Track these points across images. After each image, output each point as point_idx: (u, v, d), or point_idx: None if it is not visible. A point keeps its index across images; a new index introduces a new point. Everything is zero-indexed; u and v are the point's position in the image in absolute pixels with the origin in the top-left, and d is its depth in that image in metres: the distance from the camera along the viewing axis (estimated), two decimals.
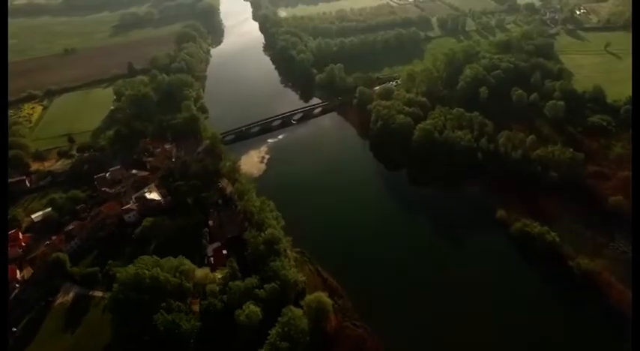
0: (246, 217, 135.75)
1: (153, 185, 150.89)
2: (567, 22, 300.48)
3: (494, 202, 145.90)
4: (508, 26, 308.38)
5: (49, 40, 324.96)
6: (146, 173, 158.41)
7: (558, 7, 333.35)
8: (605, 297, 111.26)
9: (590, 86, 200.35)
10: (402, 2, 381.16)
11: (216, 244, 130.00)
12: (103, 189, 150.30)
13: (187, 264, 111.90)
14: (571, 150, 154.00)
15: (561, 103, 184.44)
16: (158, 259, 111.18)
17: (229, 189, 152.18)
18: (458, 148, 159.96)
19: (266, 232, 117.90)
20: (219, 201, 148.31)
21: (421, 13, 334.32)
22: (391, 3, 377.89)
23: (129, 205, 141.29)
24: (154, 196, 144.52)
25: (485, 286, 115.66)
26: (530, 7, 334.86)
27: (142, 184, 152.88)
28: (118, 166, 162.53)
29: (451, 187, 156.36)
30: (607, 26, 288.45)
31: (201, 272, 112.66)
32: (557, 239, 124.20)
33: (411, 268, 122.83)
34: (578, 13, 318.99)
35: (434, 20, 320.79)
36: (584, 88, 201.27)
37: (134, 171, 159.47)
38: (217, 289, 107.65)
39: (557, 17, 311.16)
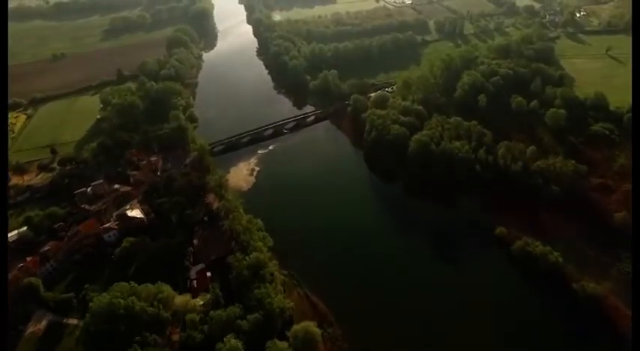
0: (232, 236, 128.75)
1: (135, 201, 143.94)
2: (567, 25, 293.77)
3: (493, 216, 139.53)
4: (507, 29, 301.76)
5: (39, 44, 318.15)
6: (129, 188, 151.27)
7: (558, 9, 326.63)
8: (612, 323, 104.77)
9: (592, 92, 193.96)
10: (398, 5, 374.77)
11: (200, 266, 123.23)
12: (83, 206, 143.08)
13: (166, 291, 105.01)
14: (573, 162, 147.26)
15: (562, 111, 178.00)
16: (135, 285, 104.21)
17: (216, 205, 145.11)
18: (455, 159, 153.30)
19: (251, 256, 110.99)
20: (205, 218, 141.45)
21: (418, 16, 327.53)
22: (388, 6, 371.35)
23: (109, 224, 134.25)
24: (135, 213, 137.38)
25: (486, 311, 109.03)
26: (529, 10, 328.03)
27: (124, 200, 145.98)
28: (101, 181, 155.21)
29: (449, 201, 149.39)
30: (608, 29, 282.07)
31: (181, 299, 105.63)
32: (560, 260, 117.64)
33: (406, 291, 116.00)
34: (578, 15, 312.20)
35: (431, 23, 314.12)
36: (585, 95, 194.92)
37: (116, 186, 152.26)
38: (197, 318, 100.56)
39: (557, 20, 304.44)
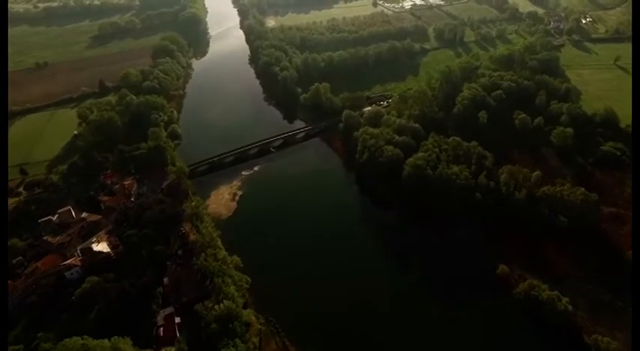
0: (206, 275, 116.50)
1: (103, 233, 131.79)
2: (573, 32, 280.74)
3: (494, 250, 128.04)
4: (510, 37, 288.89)
5: (23, 52, 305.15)
6: (98, 217, 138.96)
7: (563, 15, 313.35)
8: None
9: (600, 107, 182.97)
10: (397, 10, 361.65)
11: (168, 310, 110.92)
12: (45, 238, 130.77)
13: (123, 347, 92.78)
14: (582, 190, 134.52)
15: (569, 129, 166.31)
16: (88, 341, 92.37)
17: (193, 236, 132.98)
18: (453, 186, 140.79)
19: (221, 306, 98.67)
20: (180, 251, 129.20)
21: (417, 23, 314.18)
22: (386, 11, 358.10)
23: (71, 260, 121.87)
24: (102, 247, 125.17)
25: None
26: (533, 16, 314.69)
27: (92, 231, 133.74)
28: (68, 207, 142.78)
29: (446, 231, 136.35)
30: (615, 37, 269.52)
31: None
32: (570, 307, 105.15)
33: (396, 340, 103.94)
34: (584, 22, 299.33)
35: (430, 30, 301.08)
36: (593, 110, 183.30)
37: (84, 214, 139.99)
38: None
39: (562, 27, 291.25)
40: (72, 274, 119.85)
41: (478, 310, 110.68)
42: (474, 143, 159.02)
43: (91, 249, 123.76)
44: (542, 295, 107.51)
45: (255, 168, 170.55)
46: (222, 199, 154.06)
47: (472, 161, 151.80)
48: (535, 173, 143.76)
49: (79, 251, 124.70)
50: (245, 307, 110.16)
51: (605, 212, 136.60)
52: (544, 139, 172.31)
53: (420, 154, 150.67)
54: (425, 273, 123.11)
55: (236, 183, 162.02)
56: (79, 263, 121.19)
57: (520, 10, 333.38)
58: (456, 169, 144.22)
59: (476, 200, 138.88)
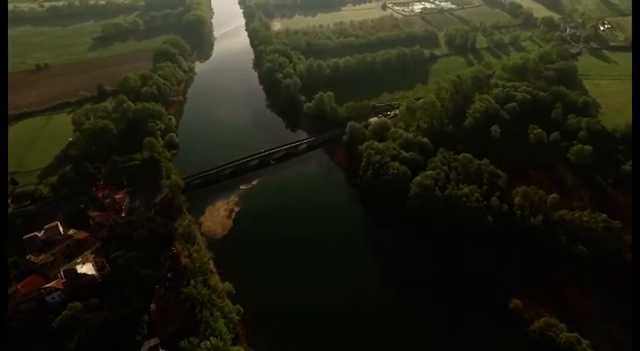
0: (194, 304, 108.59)
1: (89, 252, 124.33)
2: (590, 39, 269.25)
3: (506, 280, 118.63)
4: (523, 44, 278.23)
5: (24, 53, 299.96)
6: (85, 234, 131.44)
7: (580, 21, 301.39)
8: None
9: (621, 121, 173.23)
10: (407, 14, 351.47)
11: (153, 341, 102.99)
12: (28, 257, 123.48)
13: None
14: (604, 216, 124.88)
15: (588, 147, 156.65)
16: None
17: (184, 258, 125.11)
18: (463, 208, 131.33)
19: (207, 343, 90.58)
20: (169, 274, 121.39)
21: (427, 27, 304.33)
22: (395, 15, 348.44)
23: (54, 282, 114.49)
24: (87, 269, 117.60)
25: None
26: (548, 22, 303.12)
27: (78, 250, 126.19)
28: (55, 223, 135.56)
29: (455, 258, 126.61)
30: None
31: None
32: None
33: None
34: (602, 28, 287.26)
35: (441, 36, 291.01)
36: (613, 124, 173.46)
37: (71, 231, 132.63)
38: None
39: (578, 34, 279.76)
40: (54, 298, 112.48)
41: (486, 344, 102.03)
42: (485, 161, 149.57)
43: (75, 271, 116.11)
44: (559, 337, 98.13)
45: (254, 182, 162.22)
46: (217, 216, 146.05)
47: (484, 181, 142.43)
48: (552, 196, 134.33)
49: (62, 272, 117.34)
50: (236, 340, 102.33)
51: (628, 240, 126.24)
52: (561, 156, 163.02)
53: (428, 172, 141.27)
54: (429, 302, 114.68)
55: (233, 198, 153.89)
56: (61, 287, 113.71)
57: (535, 15, 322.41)
58: (466, 189, 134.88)
59: (487, 223, 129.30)
